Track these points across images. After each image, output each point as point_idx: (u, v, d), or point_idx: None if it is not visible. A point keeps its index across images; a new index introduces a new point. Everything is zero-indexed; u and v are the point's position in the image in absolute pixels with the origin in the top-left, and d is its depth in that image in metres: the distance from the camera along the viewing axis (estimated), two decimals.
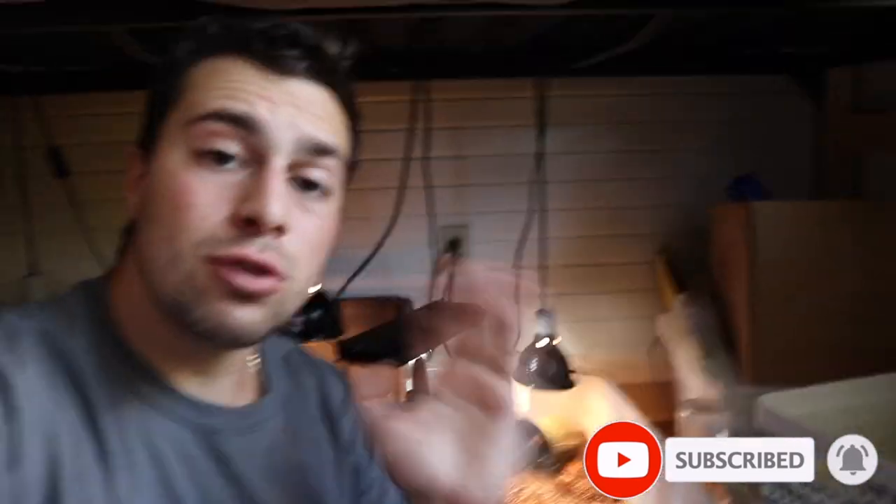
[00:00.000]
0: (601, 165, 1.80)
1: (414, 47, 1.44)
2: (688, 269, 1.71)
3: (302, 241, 0.64)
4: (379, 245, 1.48)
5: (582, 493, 1.41)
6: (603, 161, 1.80)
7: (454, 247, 1.78)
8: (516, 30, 1.37)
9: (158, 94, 0.66)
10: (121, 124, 1.61)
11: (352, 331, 1.51)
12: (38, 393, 0.58)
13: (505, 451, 0.61)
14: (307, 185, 0.65)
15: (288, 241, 0.63)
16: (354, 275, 1.44)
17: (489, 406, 0.60)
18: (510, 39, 1.50)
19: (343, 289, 1.44)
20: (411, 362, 1.30)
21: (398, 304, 1.72)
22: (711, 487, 1.23)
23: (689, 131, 1.81)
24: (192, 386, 0.68)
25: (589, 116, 1.78)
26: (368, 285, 1.76)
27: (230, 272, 0.60)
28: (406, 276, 1.78)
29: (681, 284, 1.64)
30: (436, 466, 0.59)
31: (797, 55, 1.72)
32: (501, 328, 0.59)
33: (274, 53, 0.63)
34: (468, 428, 0.60)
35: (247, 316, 0.62)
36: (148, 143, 0.66)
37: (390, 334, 1.25)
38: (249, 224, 0.60)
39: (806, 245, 1.35)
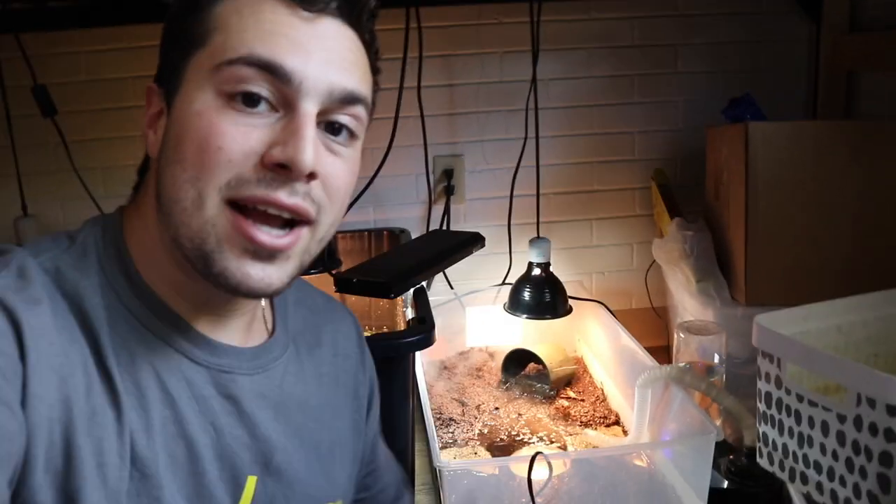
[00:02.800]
0: (595, 90, 1.79)
1: None
2: (682, 193, 1.72)
3: (329, 186, 0.64)
4: (373, 176, 1.47)
5: (579, 418, 1.43)
6: (596, 86, 1.79)
7: (448, 176, 1.77)
8: None
9: (180, 29, 0.65)
10: (106, 61, 1.62)
11: (348, 263, 1.52)
12: (49, 332, 0.58)
13: None
14: (335, 129, 0.65)
15: (316, 186, 0.63)
16: (350, 206, 1.43)
17: None
18: None
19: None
20: (411, 292, 1.31)
21: (394, 235, 1.72)
22: (706, 406, 1.26)
23: (685, 54, 1.79)
24: (204, 326, 0.69)
25: (582, 41, 1.76)
26: (363, 217, 1.76)
27: (252, 227, 0.61)
28: (401, 206, 1.79)
29: (675, 208, 1.65)
30: None
31: None
32: None
33: None
34: None
35: (268, 273, 0.63)
36: (169, 80, 0.65)
37: (387, 264, 1.25)
38: (282, 168, 0.60)
39: (802, 165, 1.34)
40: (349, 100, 0.64)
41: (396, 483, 1.01)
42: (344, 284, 1.15)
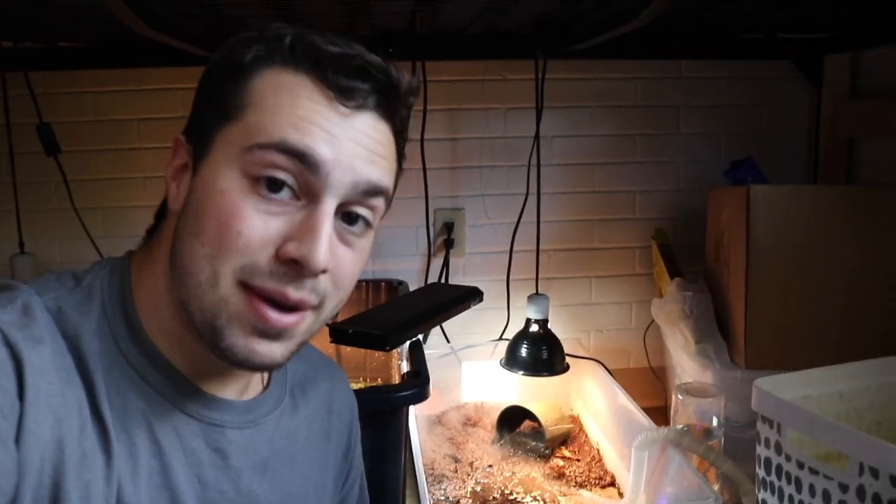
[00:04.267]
0: (597, 149, 1.80)
1: (413, 29, 1.43)
2: (682, 253, 1.72)
3: (337, 276, 0.65)
4: None
5: (574, 478, 1.40)
6: (599, 144, 1.80)
7: (448, 230, 1.77)
8: (516, 11, 1.36)
9: (217, 92, 0.65)
10: (112, 102, 1.63)
11: (345, 314, 1.50)
12: (49, 372, 0.58)
13: None
14: (351, 219, 0.65)
15: (324, 279, 0.63)
16: None
17: None
18: (509, 21, 1.49)
19: None
20: (406, 344, 1.30)
21: (392, 287, 1.71)
22: (704, 470, 1.24)
23: (687, 116, 1.81)
24: (201, 381, 0.68)
25: (585, 99, 1.78)
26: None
27: (263, 305, 0.61)
28: (400, 258, 1.78)
29: (675, 269, 1.64)
30: None
31: (796, 41, 1.73)
32: None
33: (346, 84, 0.63)
34: None
35: (273, 351, 0.64)
36: (198, 142, 0.65)
37: (384, 316, 1.24)
38: (294, 264, 0.60)
39: (802, 229, 1.35)
40: (372, 192, 0.65)
41: None
42: (339, 335, 1.14)
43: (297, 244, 0.60)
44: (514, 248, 1.76)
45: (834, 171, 1.70)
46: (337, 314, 1.46)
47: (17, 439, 0.54)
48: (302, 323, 0.64)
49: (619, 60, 1.75)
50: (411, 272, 1.79)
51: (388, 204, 0.69)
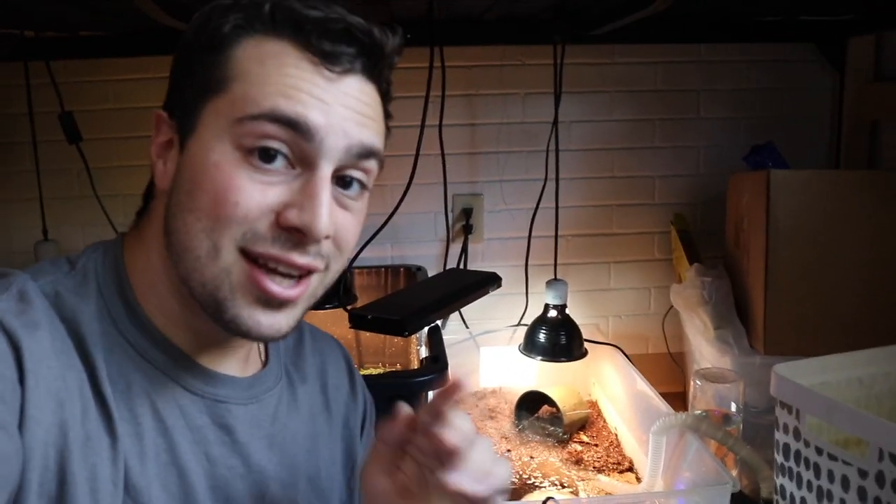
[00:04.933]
0: (616, 134, 1.79)
1: (430, 15, 1.42)
2: (702, 238, 1.71)
3: (339, 240, 0.65)
4: (392, 213, 1.47)
5: (592, 463, 1.41)
6: (618, 129, 1.79)
7: (467, 215, 1.77)
8: None
9: (197, 66, 0.64)
10: (132, 90, 1.64)
11: (364, 299, 1.51)
12: (48, 357, 0.58)
13: None
14: (346, 183, 0.65)
15: (327, 243, 0.64)
16: (367, 242, 1.43)
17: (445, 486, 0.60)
18: (526, 6, 1.48)
19: (356, 257, 1.43)
20: (425, 330, 1.30)
21: (411, 273, 1.72)
22: (722, 456, 1.24)
23: (706, 100, 1.79)
24: (202, 357, 0.69)
25: (604, 84, 1.77)
26: (381, 254, 1.76)
27: (265, 277, 0.61)
28: (419, 244, 1.79)
29: (694, 254, 1.63)
30: None
31: (819, 23, 1.70)
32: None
33: (331, 49, 0.62)
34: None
35: (278, 321, 0.64)
36: (182, 117, 0.64)
37: (403, 302, 1.25)
38: (297, 231, 0.61)
39: (822, 215, 1.34)
40: (365, 155, 0.65)
41: None
42: (358, 321, 1.15)
43: (297, 212, 0.60)
44: (533, 234, 1.76)
45: (857, 155, 1.68)
46: (356, 299, 1.47)
47: (20, 426, 0.55)
48: (307, 290, 0.65)
49: (638, 45, 1.74)
50: (430, 258, 1.80)
51: (381, 165, 0.69)
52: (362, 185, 0.67)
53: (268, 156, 0.60)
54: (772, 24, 1.72)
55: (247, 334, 0.63)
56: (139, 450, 0.62)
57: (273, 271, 0.62)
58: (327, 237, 0.63)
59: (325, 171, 0.62)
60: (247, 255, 0.61)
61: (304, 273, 0.64)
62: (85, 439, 0.58)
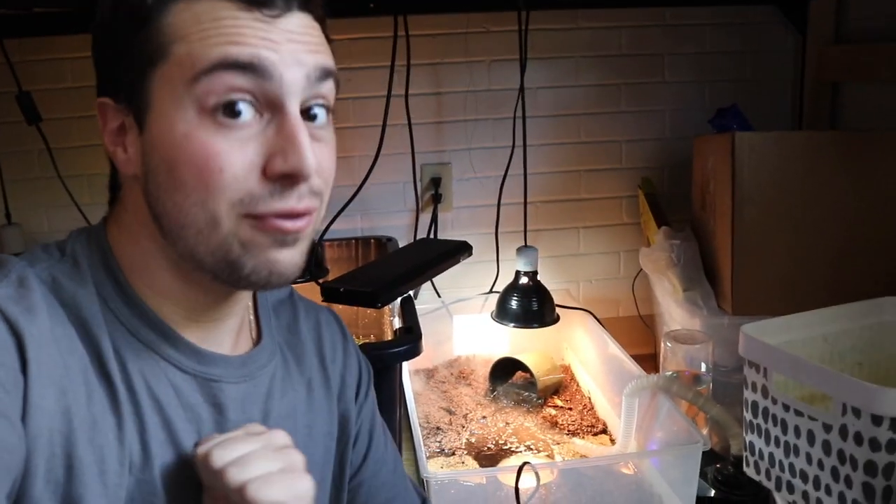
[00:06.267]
0: (582, 99, 1.79)
1: None
2: (669, 202, 1.73)
3: (324, 172, 0.65)
4: (361, 184, 1.47)
5: (566, 426, 1.43)
6: (584, 94, 1.79)
7: (435, 185, 1.77)
8: None
9: (124, 44, 0.62)
10: (91, 68, 1.60)
11: (335, 272, 1.51)
12: (49, 343, 0.58)
13: None
14: (312, 116, 0.64)
15: (315, 179, 0.63)
16: (337, 214, 1.43)
17: None
18: None
19: (326, 229, 1.43)
20: (398, 301, 1.31)
21: (381, 244, 1.72)
22: (693, 415, 1.26)
23: (671, 64, 1.80)
24: (193, 334, 0.68)
25: (569, 49, 1.76)
26: (351, 226, 1.76)
27: (274, 221, 0.61)
28: (388, 214, 1.79)
29: (662, 217, 1.65)
30: None
31: None
32: None
33: None
34: None
35: (293, 257, 0.64)
36: (128, 96, 0.62)
37: (374, 274, 1.25)
38: (287, 178, 0.60)
39: (788, 175, 1.35)
40: (322, 76, 0.64)
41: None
42: (331, 294, 1.15)
43: (282, 159, 0.60)
44: (502, 202, 1.76)
45: (819, 116, 1.70)
46: (327, 272, 1.47)
47: (24, 414, 0.55)
48: (311, 223, 0.65)
49: (602, 9, 1.74)
50: (400, 228, 1.79)
51: (338, 84, 0.68)
52: (327, 110, 0.66)
53: (233, 111, 0.59)
54: None
55: (267, 280, 0.63)
56: (140, 427, 0.62)
57: (278, 218, 0.62)
58: (315, 174, 0.62)
59: (293, 108, 0.61)
60: (247, 216, 0.61)
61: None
62: (91, 423, 0.58)
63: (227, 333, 0.72)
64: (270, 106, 0.60)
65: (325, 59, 0.65)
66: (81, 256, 0.66)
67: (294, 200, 0.61)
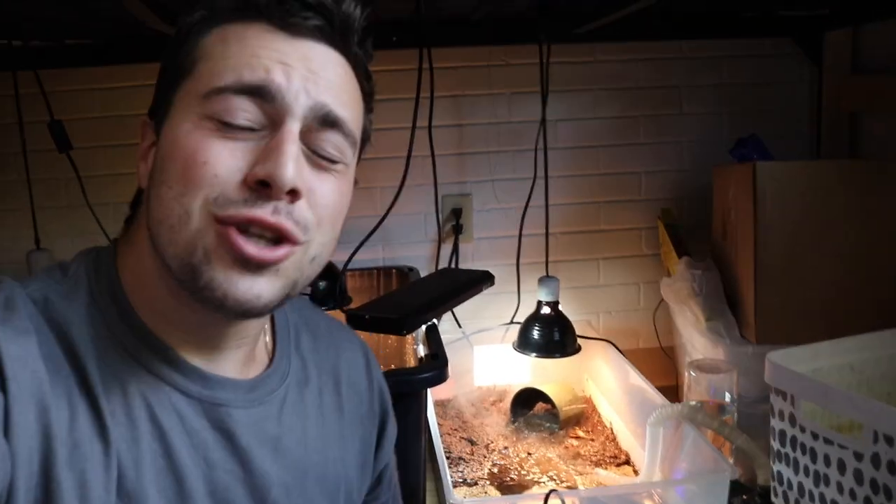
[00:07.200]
0: (601, 131, 1.81)
1: (418, 15, 1.44)
2: (688, 232, 1.73)
3: (316, 205, 0.63)
4: (385, 215, 1.48)
5: (589, 457, 1.42)
6: (603, 127, 1.81)
7: (456, 216, 1.78)
8: None
9: (170, 64, 0.65)
10: (121, 98, 1.64)
11: (357, 301, 1.52)
12: (33, 362, 0.57)
13: None
14: (321, 155, 0.64)
15: (301, 207, 0.62)
16: (361, 244, 1.44)
17: None
18: (512, 6, 1.49)
19: (350, 258, 1.44)
20: (422, 329, 1.31)
21: (403, 274, 1.73)
22: (718, 445, 1.25)
23: (689, 95, 1.82)
24: (197, 358, 0.67)
25: (588, 82, 1.79)
26: (372, 256, 1.77)
27: (239, 238, 0.59)
28: (410, 245, 1.80)
29: (683, 248, 1.66)
30: None
31: (797, 18, 1.73)
32: None
33: (288, 14, 0.63)
34: None
35: (255, 286, 0.61)
36: (159, 112, 0.65)
37: (399, 302, 1.26)
38: (263, 186, 0.59)
39: (810, 204, 1.36)
40: (331, 122, 0.64)
41: None
42: (356, 321, 1.15)
43: (262, 164, 0.59)
44: (523, 232, 1.77)
45: (837, 146, 1.71)
46: (350, 301, 1.47)
47: (6, 432, 0.54)
48: (289, 258, 0.62)
49: (620, 43, 1.76)
50: (421, 258, 1.81)
51: (357, 147, 0.69)
52: (338, 159, 0.66)
53: (235, 121, 0.61)
54: (751, 20, 1.75)
55: (223, 301, 0.60)
56: (135, 455, 0.61)
57: (247, 233, 0.60)
58: (295, 192, 0.60)
59: (291, 126, 0.61)
60: (219, 220, 0.60)
61: (279, 237, 0.61)
62: (72, 447, 0.57)
63: (233, 359, 0.71)
64: (271, 123, 0.61)
65: (340, 107, 0.65)
66: (83, 277, 0.66)
67: (266, 212, 0.60)
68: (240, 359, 0.71)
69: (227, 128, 0.60)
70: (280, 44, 0.62)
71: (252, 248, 0.60)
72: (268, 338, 0.78)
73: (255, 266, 0.61)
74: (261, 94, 0.60)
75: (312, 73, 0.63)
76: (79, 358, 0.61)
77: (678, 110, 1.82)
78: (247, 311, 0.62)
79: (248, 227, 0.60)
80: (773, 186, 1.35)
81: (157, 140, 0.64)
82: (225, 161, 0.59)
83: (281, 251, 0.61)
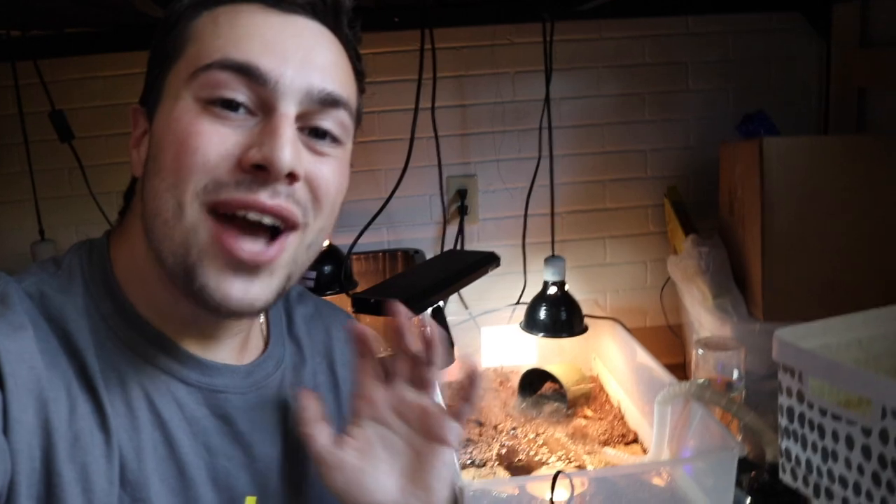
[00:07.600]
0: (606, 109, 1.80)
1: None
2: (695, 209, 1.72)
3: (315, 188, 0.63)
4: (389, 198, 1.48)
5: (597, 437, 1.42)
6: (608, 104, 1.79)
7: (461, 197, 1.78)
8: None
9: (159, 49, 0.65)
10: (122, 86, 1.63)
11: (363, 284, 1.52)
12: (31, 357, 0.57)
13: (445, 476, 0.66)
14: (318, 134, 0.64)
15: (300, 188, 0.62)
16: (365, 227, 1.44)
17: (434, 437, 0.64)
18: None
19: (355, 242, 1.44)
20: (428, 311, 1.31)
21: (409, 256, 1.72)
22: (726, 423, 1.25)
23: (695, 72, 1.80)
24: (194, 346, 0.67)
25: (593, 60, 1.77)
26: (377, 238, 1.77)
27: (233, 239, 0.59)
28: (415, 227, 1.79)
29: (689, 225, 1.65)
30: (380, 494, 0.63)
31: None
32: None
33: None
34: (410, 455, 0.65)
35: (250, 291, 0.61)
36: (150, 99, 0.65)
37: (404, 284, 1.25)
38: (260, 170, 0.59)
39: (816, 180, 1.35)
40: (329, 102, 0.63)
41: None
42: (361, 304, 1.15)
43: (257, 148, 0.59)
44: (528, 212, 1.76)
45: (845, 121, 1.69)
46: (356, 285, 1.47)
47: (5, 429, 0.54)
48: (283, 252, 0.62)
49: (625, 19, 1.74)
50: (427, 240, 1.80)
51: (357, 120, 0.68)
52: (335, 138, 0.65)
53: (229, 105, 0.60)
54: None
55: (217, 307, 0.60)
56: (136, 444, 0.61)
57: (244, 229, 0.60)
58: (293, 175, 0.60)
59: (286, 109, 0.60)
60: (212, 211, 0.59)
61: (277, 225, 0.61)
62: (73, 439, 0.58)
63: (230, 346, 0.71)
64: (264, 107, 0.61)
65: (335, 84, 0.64)
66: (77, 270, 0.66)
67: (265, 196, 0.59)
68: (236, 346, 0.72)
69: (216, 108, 0.59)
70: (273, 20, 0.62)
71: (247, 248, 0.59)
72: (262, 322, 0.78)
73: (251, 268, 0.60)
74: (249, 74, 0.60)
75: (305, 52, 0.62)
76: (76, 351, 0.61)
77: (684, 87, 1.81)
78: (240, 314, 0.63)
79: (246, 215, 0.59)
80: (781, 162, 1.34)
81: (149, 127, 0.64)
82: (216, 146, 0.59)
83: (276, 247, 0.61)
